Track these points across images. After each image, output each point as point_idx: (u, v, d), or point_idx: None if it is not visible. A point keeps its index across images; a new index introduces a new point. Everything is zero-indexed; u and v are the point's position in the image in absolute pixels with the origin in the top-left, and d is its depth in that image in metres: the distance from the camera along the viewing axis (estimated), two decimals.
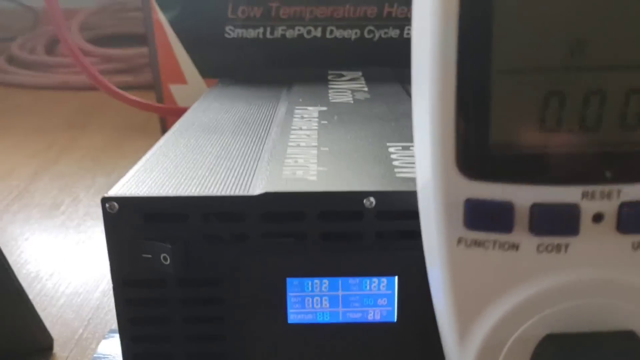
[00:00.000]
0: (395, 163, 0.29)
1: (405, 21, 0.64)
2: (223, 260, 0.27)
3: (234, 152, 0.31)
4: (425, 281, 0.27)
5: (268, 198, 0.26)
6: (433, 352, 0.28)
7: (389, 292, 0.27)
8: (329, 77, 0.52)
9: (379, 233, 0.26)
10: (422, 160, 0.20)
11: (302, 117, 0.38)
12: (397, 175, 0.28)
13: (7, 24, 1.07)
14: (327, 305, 0.27)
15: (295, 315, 0.28)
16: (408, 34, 0.65)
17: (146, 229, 0.26)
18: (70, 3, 1.02)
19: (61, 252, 0.51)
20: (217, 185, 0.27)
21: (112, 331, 0.38)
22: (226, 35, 0.66)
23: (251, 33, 0.65)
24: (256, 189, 0.26)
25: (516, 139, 0.20)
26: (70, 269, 0.49)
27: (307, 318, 0.28)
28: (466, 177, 0.19)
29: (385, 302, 0.27)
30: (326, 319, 0.28)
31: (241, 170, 0.29)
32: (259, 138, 0.34)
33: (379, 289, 0.27)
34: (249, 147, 0.32)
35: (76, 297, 0.45)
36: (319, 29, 0.65)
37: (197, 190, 0.26)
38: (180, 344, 0.28)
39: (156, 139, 0.72)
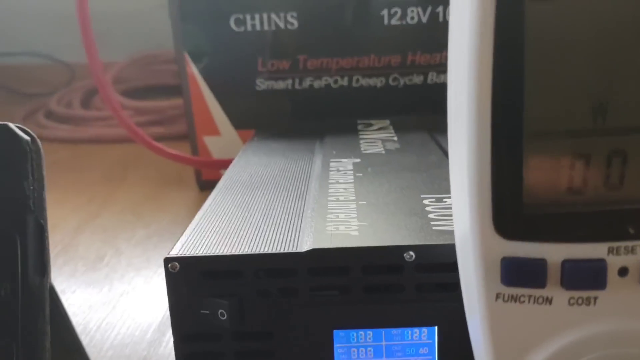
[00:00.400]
0: (431, 216, 0.31)
1: (428, 68, 0.67)
2: (274, 314, 0.28)
3: (278, 208, 0.34)
4: (463, 330, 0.28)
5: (315, 254, 0.28)
6: None
7: (430, 341, 0.29)
8: (359, 127, 0.55)
9: (419, 285, 0.28)
10: (461, 217, 0.22)
11: (338, 170, 0.40)
12: (434, 228, 0.29)
13: (45, 79, 1.12)
14: (372, 355, 0.29)
15: None
16: (432, 79, 0.67)
17: (204, 286, 0.28)
18: (101, 57, 1.06)
19: (107, 303, 0.54)
20: (267, 243, 0.29)
21: None
22: (256, 88, 0.69)
23: (280, 85, 0.68)
24: (304, 246, 0.28)
25: (547, 199, 0.21)
26: (116, 320, 0.51)
27: None
28: (502, 236, 0.20)
29: (427, 351, 0.29)
30: None
31: (287, 227, 0.31)
32: (300, 193, 0.36)
33: (420, 338, 0.29)
34: (291, 203, 0.34)
35: (124, 348, 0.47)
36: (345, 79, 0.68)
37: (249, 248, 0.28)
38: None
39: (192, 190, 0.76)
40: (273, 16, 0.66)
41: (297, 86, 0.68)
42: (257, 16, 0.66)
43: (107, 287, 0.56)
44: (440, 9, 0.64)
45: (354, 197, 0.35)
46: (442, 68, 0.66)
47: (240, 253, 0.28)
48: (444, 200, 0.33)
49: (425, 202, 0.33)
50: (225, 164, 0.64)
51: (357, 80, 0.68)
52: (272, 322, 0.29)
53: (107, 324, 0.50)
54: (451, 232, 0.28)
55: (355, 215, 0.32)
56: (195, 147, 0.71)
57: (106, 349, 0.47)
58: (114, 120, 0.97)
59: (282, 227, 0.31)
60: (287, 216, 0.32)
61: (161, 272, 0.58)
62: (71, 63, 1.16)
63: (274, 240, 0.29)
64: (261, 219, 0.32)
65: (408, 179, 0.38)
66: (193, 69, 0.69)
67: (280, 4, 0.66)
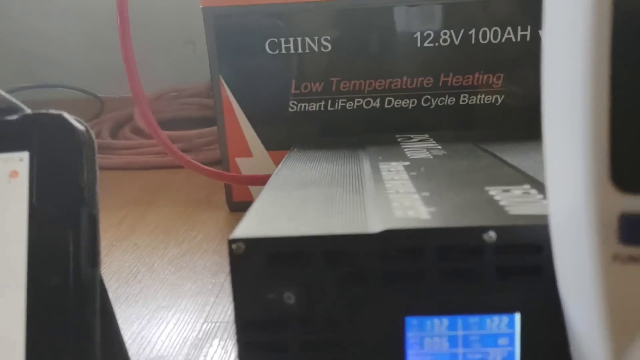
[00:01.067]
0: (502, 203, 0.30)
1: (460, 89, 0.66)
2: (343, 300, 0.27)
3: (337, 199, 0.32)
4: (548, 318, 0.27)
5: (388, 236, 0.26)
6: None
7: (510, 331, 0.27)
8: (399, 140, 0.54)
9: (499, 269, 0.27)
10: (564, 184, 0.21)
11: (389, 171, 0.39)
12: (510, 213, 0.28)
13: (77, 112, 1.13)
14: (447, 346, 0.27)
15: (415, 357, 0.27)
16: (464, 100, 0.67)
17: (270, 269, 0.27)
18: (129, 92, 1.07)
19: (141, 317, 0.52)
20: (335, 226, 0.28)
21: None
22: (289, 109, 0.68)
23: (313, 106, 0.68)
24: (375, 228, 0.27)
25: None
26: (151, 335, 0.49)
27: None
28: (621, 190, 0.19)
29: (507, 342, 0.27)
30: None
31: (351, 214, 0.29)
32: (355, 188, 0.35)
33: (499, 327, 0.27)
34: (349, 196, 0.33)
35: None
36: (378, 100, 0.67)
37: (318, 230, 0.27)
38: None
39: (222, 211, 0.75)
40: (307, 40, 0.66)
41: (329, 108, 0.68)
42: (291, 40, 0.66)
43: (141, 302, 0.55)
44: (472, 31, 0.64)
45: (415, 190, 0.33)
46: (474, 90, 0.66)
47: (309, 234, 0.27)
48: (512, 190, 0.32)
49: (491, 193, 0.32)
50: (264, 179, 0.63)
51: (390, 101, 0.67)
52: (340, 309, 0.27)
53: (142, 338, 0.49)
54: (531, 217, 0.27)
55: (422, 204, 0.30)
56: (227, 168, 0.70)
57: None
58: (141, 149, 0.97)
59: (345, 214, 0.30)
60: (348, 206, 0.31)
61: (194, 287, 0.57)
62: (102, 97, 1.18)
63: (342, 223, 0.28)
64: (322, 207, 0.31)
65: (465, 177, 0.37)
66: (227, 92, 0.69)
67: (314, 28, 0.66)
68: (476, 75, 0.65)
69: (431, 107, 0.67)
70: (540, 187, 0.33)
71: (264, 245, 0.27)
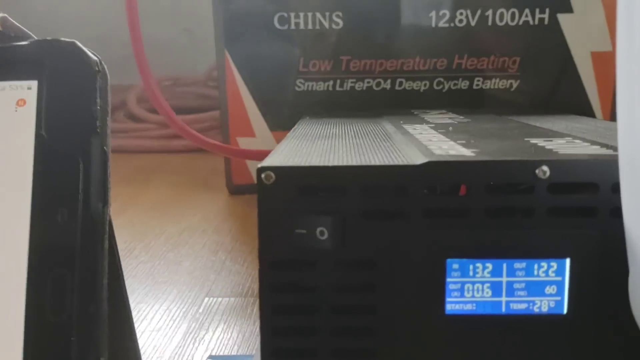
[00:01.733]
0: (549, 147, 0.28)
1: (474, 72, 0.65)
2: (380, 238, 0.25)
3: (367, 146, 0.30)
4: (601, 266, 0.24)
5: (432, 168, 0.24)
6: (608, 351, 0.25)
7: (559, 278, 0.25)
8: (415, 113, 0.52)
9: (551, 209, 0.24)
10: None
11: (415, 129, 0.37)
12: (561, 152, 0.26)
13: None
14: (490, 294, 0.25)
15: (454, 304, 0.25)
16: (477, 85, 0.65)
17: (302, 201, 0.24)
18: (124, 80, 1.05)
19: (139, 292, 0.49)
20: (372, 159, 0.25)
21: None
22: (296, 89, 0.66)
23: (321, 86, 0.66)
24: (416, 161, 0.25)
25: None
26: (150, 308, 0.46)
27: (467, 309, 0.25)
28: None
29: (555, 291, 0.25)
30: (487, 310, 0.25)
31: (386, 154, 0.27)
32: (384, 138, 0.33)
33: (547, 274, 0.25)
34: (379, 143, 0.31)
35: (159, 332, 0.43)
36: (388, 81, 0.66)
37: (354, 162, 0.25)
38: (326, 338, 0.25)
39: (222, 194, 0.72)
40: (318, 15, 0.64)
41: (337, 88, 0.66)
42: (301, 15, 0.64)
43: (139, 276, 0.52)
44: (489, 12, 0.63)
45: (448, 139, 0.31)
46: (488, 73, 0.64)
47: (345, 164, 0.25)
48: (555, 140, 0.30)
49: (534, 141, 0.30)
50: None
51: (401, 83, 0.66)
52: (376, 248, 0.25)
53: (140, 310, 0.46)
54: (586, 155, 0.25)
55: (462, 147, 0.28)
56: None
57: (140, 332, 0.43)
58: (135, 133, 0.94)
59: (380, 153, 0.27)
60: (380, 149, 0.29)
61: (194, 264, 0.54)
62: None
63: (378, 158, 0.26)
64: (354, 150, 0.29)
65: (500, 133, 0.34)
66: (232, 67, 0.66)
67: (326, 3, 0.64)
68: (491, 58, 0.64)
69: (444, 91, 0.65)
70: (584, 139, 0.31)
71: (296, 175, 0.24)
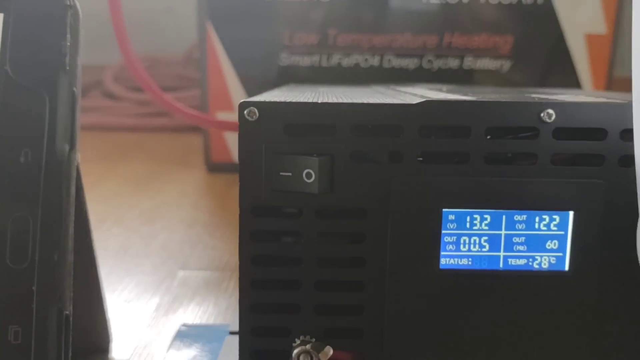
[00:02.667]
0: (553, 97, 0.26)
1: (465, 51, 0.63)
2: (371, 184, 0.23)
3: (360, 92, 0.28)
4: (606, 220, 0.23)
5: (429, 107, 0.22)
6: (610, 309, 0.24)
7: (561, 232, 0.23)
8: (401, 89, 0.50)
9: (555, 156, 0.23)
10: None
11: (407, 90, 0.35)
12: (568, 100, 0.24)
13: None
14: (487, 248, 0.23)
15: (449, 258, 0.23)
16: (468, 64, 0.63)
17: (288, 141, 0.22)
18: (103, 58, 1.02)
19: (109, 264, 0.47)
20: (365, 100, 0.23)
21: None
22: (280, 63, 0.64)
23: (306, 60, 0.64)
24: (412, 101, 0.23)
25: None
26: (120, 280, 0.44)
27: (462, 263, 0.23)
28: None
29: (556, 246, 0.23)
30: (484, 266, 0.23)
31: (379, 99, 0.25)
32: (377, 92, 0.31)
33: (549, 228, 0.23)
34: (371, 94, 0.29)
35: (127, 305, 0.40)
36: (377, 58, 0.64)
37: (344, 101, 0.23)
38: (310, 292, 0.23)
39: (200, 171, 0.70)
40: None
41: (323, 64, 0.64)
42: None
43: (110, 248, 0.50)
44: None
45: (447, 90, 0.30)
46: (479, 52, 0.63)
47: (335, 101, 0.23)
48: (558, 95, 0.28)
49: (535, 95, 0.28)
50: None
51: (389, 60, 0.64)
52: (366, 195, 0.23)
53: (110, 283, 0.43)
54: (592, 101, 0.24)
55: (461, 95, 0.27)
56: None
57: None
58: (111, 111, 0.91)
59: (375, 98, 0.25)
60: (374, 95, 0.27)
61: (169, 238, 0.52)
62: None
63: (371, 99, 0.24)
64: (345, 94, 0.27)
65: (497, 92, 0.33)
66: (214, 38, 0.64)
67: None
68: (482, 36, 0.62)
69: (433, 70, 0.64)
70: (588, 95, 0.29)
71: (282, 112, 0.22)
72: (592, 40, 0.62)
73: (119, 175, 0.68)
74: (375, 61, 0.64)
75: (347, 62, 0.64)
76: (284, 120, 0.22)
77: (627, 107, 0.22)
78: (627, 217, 0.23)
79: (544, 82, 0.63)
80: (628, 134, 0.22)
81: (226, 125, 0.65)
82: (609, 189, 0.23)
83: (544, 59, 0.63)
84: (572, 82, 0.63)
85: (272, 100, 0.23)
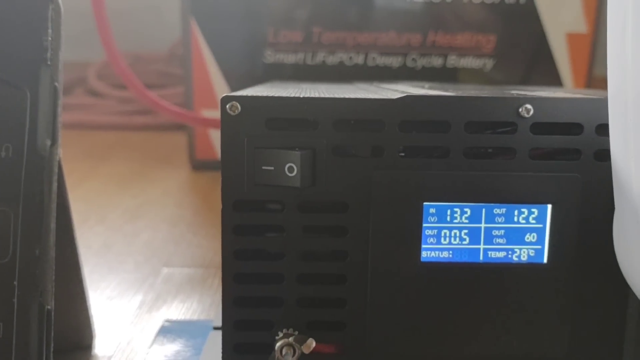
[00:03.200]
0: (532, 94, 0.26)
1: (448, 50, 0.64)
2: (352, 178, 0.23)
3: (342, 88, 0.29)
4: (583, 213, 0.23)
5: (410, 102, 0.23)
6: (587, 300, 0.24)
7: (540, 225, 0.24)
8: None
9: (533, 151, 0.23)
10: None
11: (389, 86, 0.35)
12: (544, 96, 0.25)
13: None
14: (467, 240, 0.24)
15: (430, 252, 0.24)
16: (451, 63, 0.64)
17: (270, 136, 0.23)
18: (85, 55, 1.01)
19: (92, 262, 0.47)
20: (346, 95, 0.24)
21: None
22: (264, 60, 0.64)
23: (291, 58, 0.64)
24: (393, 96, 0.23)
25: None
26: (102, 279, 0.44)
27: (443, 256, 0.24)
28: None
29: (535, 239, 0.24)
30: (464, 258, 0.24)
31: (361, 94, 0.26)
32: (359, 88, 0.31)
33: (528, 221, 0.24)
34: (353, 90, 0.29)
35: (109, 302, 0.40)
36: (361, 56, 0.64)
37: (326, 96, 0.23)
38: (293, 286, 0.24)
39: (184, 170, 0.70)
40: None
41: (308, 61, 0.64)
42: None
43: (94, 247, 0.49)
44: None
45: (428, 87, 0.30)
46: (462, 51, 0.63)
47: (318, 96, 0.23)
48: (537, 92, 0.29)
49: (515, 92, 0.29)
50: None
51: (374, 58, 0.64)
52: (347, 189, 0.23)
53: (92, 281, 0.43)
54: (569, 96, 0.24)
55: (442, 91, 0.27)
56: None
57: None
58: (94, 108, 0.90)
59: (356, 93, 0.26)
60: (356, 92, 0.27)
61: (152, 236, 0.52)
62: None
63: (353, 95, 0.24)
64: (327, 90, 0.27)
65: (478, 89, 0.33)
66: (198, 35, 0.64)
67: None
68: (465, 34, 0.63)
69: (417, 68, 0.64)
70: (565, 91, 0.30)
71: (264, 106, 0.22)
72: (573, 39, 0.63)
73: (102, 174, 0.68)
74: (359, 59, 0.64)
75: (331, 60, 0.64)
76: (266, 115, 0.23)
77: (603, 102, 0.22)
78: (604, 210, 0.23)
79: (526, 80, 0.64)
80: (603, 128, 0.23)
81: (211, 123, 0.65)
82: (585, 182, 0.23)
83: (526, 58, 0.64)
84: (554, 80, 0.63)
85: (254, 94, 0.23)
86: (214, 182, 0.66)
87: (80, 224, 0.54)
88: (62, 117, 0.85)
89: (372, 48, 0.64)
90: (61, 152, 0.28)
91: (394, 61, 0.64)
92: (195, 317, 0.39)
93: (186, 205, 0.60)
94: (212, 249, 0.50)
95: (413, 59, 0.64)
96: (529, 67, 0.64)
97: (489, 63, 0.64)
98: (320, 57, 0.64)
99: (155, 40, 1.10)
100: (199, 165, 0.69)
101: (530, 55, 0.64)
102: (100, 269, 0.45)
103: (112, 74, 1.00)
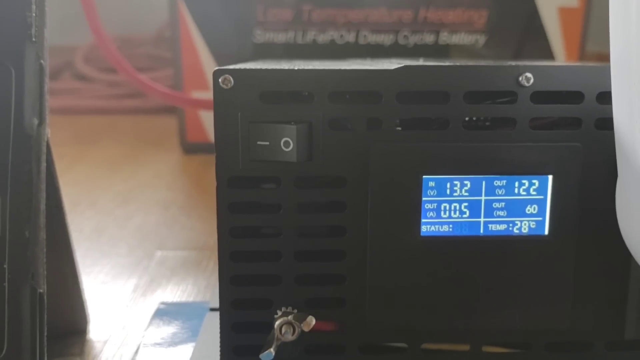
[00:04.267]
0: (532, 64, 0.26)
1: (440, 26, 0.63)
2: (350, 152, 0.22)
3: (337, 64, 0.28)
4: (584, 183, 0.23)
5: (408, 72, 0.22)
6: (589, 271, 0.24)
7: (540, 197, 0.23)
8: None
9: (534, 121, 0.23)
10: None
11: (385, 62, 0.35)
12: (545, 64, 0.24)
13: None
14: (467, 214, 0.23)
15: (430, 226, 0.23)
16: (443, 40, 0.63)
17: (264, 109, 0.22)
18: (73, 39, 0.99)
19: (85, 246, 0.46)
20: (343, 67, 0.23)
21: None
22: (254, 40, 0.63)
23: (281, 37, 0.63)
24: (390, 67, 0.23)
25: None
26: (95, 263, 0.43)
27: (443, 230, 0.23)
28: None
29: (536, 211, 0.23)
30: (465, 232, 0.23)
31: (357, 66, 0.25)
32: (354, 62, 0.31)
33: (528, 192, 0.23)
34: (348, 63, 0.29)
35: (103, 286, 0.40)
36: (352, 34, 0.63)
37: (322, 67, 0.22)
38: (290, 263, 0.23)
39: (175, 153, 0.69)
40: None
41: (299, 40, 0.63)
42: None
43: (85, 231, 0.49)
44: None
45: (424, 60, 0.29)
46: (454, 27, 0.63)
47: (313, 68, 0.22)
48: (536, 63, 0.28)
49: (513, 63, 0.28)
50: None
51: (365, 36, 0.63)
52: (345, 163, 0.22)
53: (85, 265, 0.42)
54: (570, 64, 0.23)
55: (440, 62, 0.26)
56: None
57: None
58: (82, 93, 0.89)
59: (352, 65, 0.25)
60: (351, 64, 0.27)
61: (145, 219, 0.51)
62: None
63: (350, 67, 0.23)
64: (322, 64, 0.26)
65: (475, 61, 0.32)
66: (186, 16, 0.63)
67: None
68: (457, 10, 0.62)
69: (409, 46, 0.63)
70: (560, 63, 0.29)
71: (258, 79, 0.22)
72: (564, 13, 0.62)
73: (92, 158, 0.67)
74: (350, 37, 0.63)
75: (322, 38, 0.63)
76: (260, 88, 0.22)
77: (604, 70, 0.22)
78: (605, 180, 0.23)
79: (518, 56, 0.63)
80: (604, 96, 0.22)
81: (202, 104, 0.64)
82: (586, 152, 0.23)
83: (518, 33, 0.63)
84: (547, 55, 0.63)
85: (248, 67, 0.22)
86: (206, 164, 0.65)
87: (71, 208, 0.53)
88: (51, 102, 0.84)
89: (363, 25, 0.63)
90: (49, 132, 0.27)
91: (386, 39, 0.63)
92: (191, 299, 0.38)
93: (178, 188, 0.60)
94: (206, 231, 0.49)
95: (405, 36, 0.63)
96: (521, 43, 0.63)
97: (480, 39, 0.63)
98: (310, 35, 0.63)
99: (143, 23, 1.08)
100: (190, 148, 0.68)
101: (522, 31, 0.63)
102: (93, 253, 0.45)
103: (100, 58, 0.99)
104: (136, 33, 1.08)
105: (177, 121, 0.68)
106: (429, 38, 0.63)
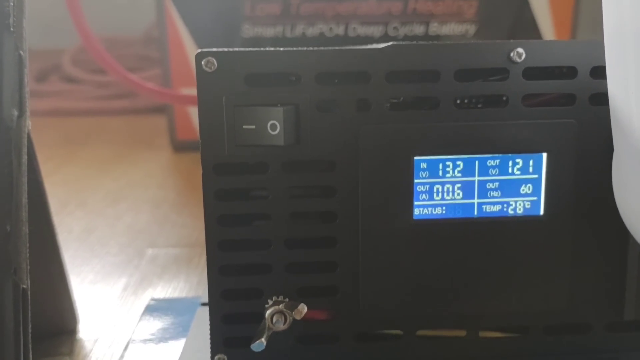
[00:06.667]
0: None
1: (429, 17, 0.62)
2: (339, 134, 0.22)
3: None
4: (578, 161, 0.22)
5: (397, 51, 0.22)
6: (586, 250, 0.23)
7: (535, 176, 0.23)
8: None
9: (526, 97, 0.22)
10: None
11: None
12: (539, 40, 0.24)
13: None
14: (461, 195, 0.23)
15: (422, 208, 0.23)
16: (433, 31, 0.63)
17: (250, 92, 0.21)
18: (61, 41, 0.98)
19: (74, 246, 0.45)
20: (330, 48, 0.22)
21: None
22: (242, 35, 0.63)
23: (269, 31, 0.63)
24: (378, 47, 0.22)
25: None
26: (85, 264, 0.42)
27: (436, 213, 0.23)
28: None
29: (530, 190, 0.23)
30: (458, 214, 0.23)
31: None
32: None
33: (522, 172, 0.23)
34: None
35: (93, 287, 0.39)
36: (342, 27, 0.63)
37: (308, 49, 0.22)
38: (280, 251, 0.22)
39: (166, 151, 0.68)
40: None
41: (287, 34, 0.63)
42: None
43: (75, 232, 0.48)
44: None
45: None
46: (444, 17, 0.62)
47: (299, 49, 0.22)
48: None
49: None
50: None
51: (354, 29, 0.63)
52: (334, 146, 0.22)
53: (75, 266, 0.42)
54: (561, 40, 0.23)
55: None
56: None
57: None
58: (71, 94, 0.88)
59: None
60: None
61: (136, 218, 0.50)
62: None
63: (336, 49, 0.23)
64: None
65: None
66: (173, 14, 0.62)
67: None
68: (447, 1, 0.62)
69: (399, 38, 0.63)
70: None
71: (242, 61, 0.21)
72: (555, 3, 0.62)
73: (82, 159, 0.66)
74: (340, 30, 0.63)
75: (311, 32, 0.63)
76: (245, 70, 0.21)
77: (597, 44, 0.21)
78: (601, 157, 0.22)
79: None
80: (598, 71, 0.22)
81: (194, 100, 0.63)
82: (581, 128, 0.22)
83: (508, 23, 0.63)
84: None
85: (232, 50, 0.21)
86: (196, 161, 0.64)
87: (60, 209, 0.52)
88: (39, 105, 0.82)
89: (353, 18, 0.62)
90: (30, 124, 0.26)
91: (375, 31, 0.63)
92: (183, 296, 0.37)
93: (169, 187, 0.59)
94: (197, 228, 0.48)
95: (394, 28, 0.63)
96: (512, 32, 0.63)
97: (471, 29, 0.62)
98: (299, 29, 0.62)
99: (131, 24, 1.07)
100: (180, 146, 0.67)
101: (512, 20, 0.62)
102: (83, 253, 0.44)
103: (88, 59, 0.98)
104: (124, 34, 1.07)
105: (167, 120, 0.68)
106: (418, 29, 0.62)
